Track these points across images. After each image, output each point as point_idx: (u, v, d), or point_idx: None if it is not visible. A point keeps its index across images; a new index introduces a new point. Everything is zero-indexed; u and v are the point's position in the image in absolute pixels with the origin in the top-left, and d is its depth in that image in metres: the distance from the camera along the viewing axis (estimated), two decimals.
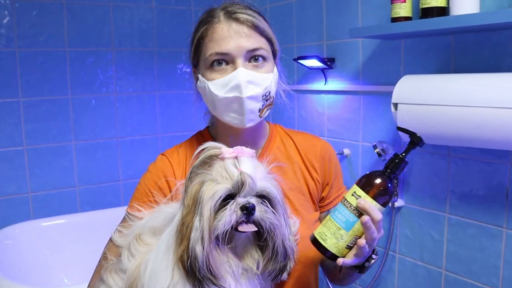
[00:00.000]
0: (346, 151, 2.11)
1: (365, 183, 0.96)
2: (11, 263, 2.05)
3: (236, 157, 0.88)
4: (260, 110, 1.08)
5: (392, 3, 1.66)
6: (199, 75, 1.12)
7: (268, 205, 0.87)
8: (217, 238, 0.84)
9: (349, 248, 0.96)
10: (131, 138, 2.58)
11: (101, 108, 2.47)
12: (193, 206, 0.85)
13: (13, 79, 2.24)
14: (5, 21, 2.20)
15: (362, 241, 0.93)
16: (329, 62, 2.11)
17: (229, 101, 1.06)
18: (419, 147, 1.01)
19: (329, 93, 2.18)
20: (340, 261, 0.95)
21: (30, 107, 2.29)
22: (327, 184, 1.21)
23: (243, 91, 1.04)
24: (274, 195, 0.88)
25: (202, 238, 0.82)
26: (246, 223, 0.85)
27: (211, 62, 1.08)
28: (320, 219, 1.20)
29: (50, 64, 2.32)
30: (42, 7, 2.27)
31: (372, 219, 0.92)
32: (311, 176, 1.19)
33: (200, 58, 1.11)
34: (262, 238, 0.88)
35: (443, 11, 1.54)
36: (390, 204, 1.88)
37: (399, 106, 1.57)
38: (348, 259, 0.95)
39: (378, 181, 0.96)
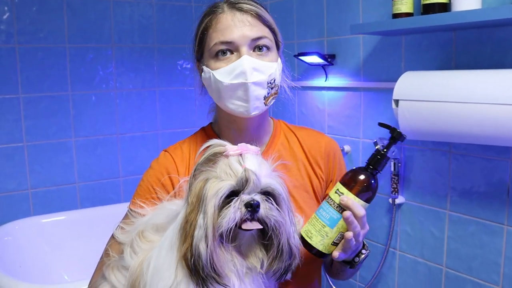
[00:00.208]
0: (347, 148, 2.10)
1: (348, 180, 0.99)
2: (11, 259, 2.05)
3: (241, 154, 0.88)
4: (265, 98, 1.08)
5: None
6: (204, 67, 1.12)
7: (273, 202, 0.87)
8: (221, 236, 0.83)
9: (335, 244, 0.98)
10: (131, 135, 2.57)
11: (101, 104, 2.47)
12: (197, 204, 0.84)
13: (13, 75, 2.23)
14: (5, 17, 2.19)
15: (349, 234, 0.95)
16: (329, 59, 2.10)
17: (234, 87, 1.06)
18: (400, 142, 1.02)
19: (330, 89, 2.18)
20: (333, 255, 0.98)
21: (30, 103, 2.28)
22: (331, 181, 1.21)
23: (248, 77, 1.04)
24: (279, 192, 0.88)
25: (206, 236, 0.82)
26: (251, 220, 0.84)
27: (216, 52, 1.08)
28: None
29: (50, 60, 2.31)
30: (42, 2, 2.26)
31: (355, 215, 0.95)
32: (315, 173, 1.19)
33: (205, 49, 1.12)
34: (266, 236, 0.88)
35: (444, 7, 1.54)
36: (390, 201, 1.88)
37: (400, 102, 1.56)
38: (336, 254, 0.97)
39: (360, 177, 0.98)
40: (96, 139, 2.47)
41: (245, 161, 0.86)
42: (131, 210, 1.09)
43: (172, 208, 0.94)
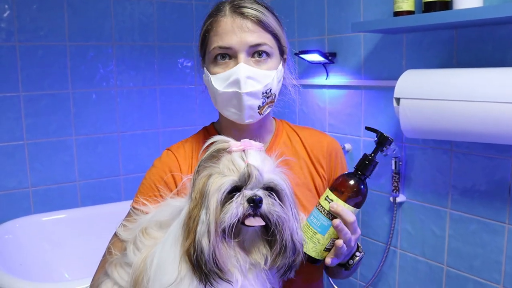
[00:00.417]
0: (348, 146, 2.10)
1: (337, 187, 1.00)
2: (11, 257, 2.05)
3: (244, 150, 0.88)
4: (260, 108, 1.08)
5: None
6: (205, 68, 1.13)
7: (276, 198, 0.87)
8: (224, 231, 0.83)
9: (328, 250, 1.00)
10: (132, 133, 2.57)
11: (101, 102, 2.47)
12: (200, 199, 0.84)
13: (14, 73, 2.23)
14: (5, 15, 2.18)
15: (339, 242, 0.97)
16: (330, 57, 2.10)
17: (228, 96, 1.06)
18: (388, 146, 1.03)
19: (331, 87, 2.18)
20: (326, 262, 0.99)
21: (31, 102, 2.28)
22: None
23: (242, 87, 1.04)
24: (282, 188, 0.88)
25: (209, 232, 0.82)
26: (253, 216, 0.84)
27: (214, 55, 1.08)
28: None
29: (50, 58, 2.31)
30: (42, 1, 2.26)
31: (345, 222, 0.96)
32: (317, 172, 1.19)
33: (206, 51, 1.12)
34: (270, 232, 0.88)
35: (446, 5, 1.54)
36: (391, 199, 1.88)
37: (401, 101, 1.56)
38: (329, 260, 0.99)
39: (349, 183, 0.99)
40: (96, 137, 2.47)
41: (248, 157, 0.86)
42: (134, 208, 1.09)
43: (176, 205, 0.94)
